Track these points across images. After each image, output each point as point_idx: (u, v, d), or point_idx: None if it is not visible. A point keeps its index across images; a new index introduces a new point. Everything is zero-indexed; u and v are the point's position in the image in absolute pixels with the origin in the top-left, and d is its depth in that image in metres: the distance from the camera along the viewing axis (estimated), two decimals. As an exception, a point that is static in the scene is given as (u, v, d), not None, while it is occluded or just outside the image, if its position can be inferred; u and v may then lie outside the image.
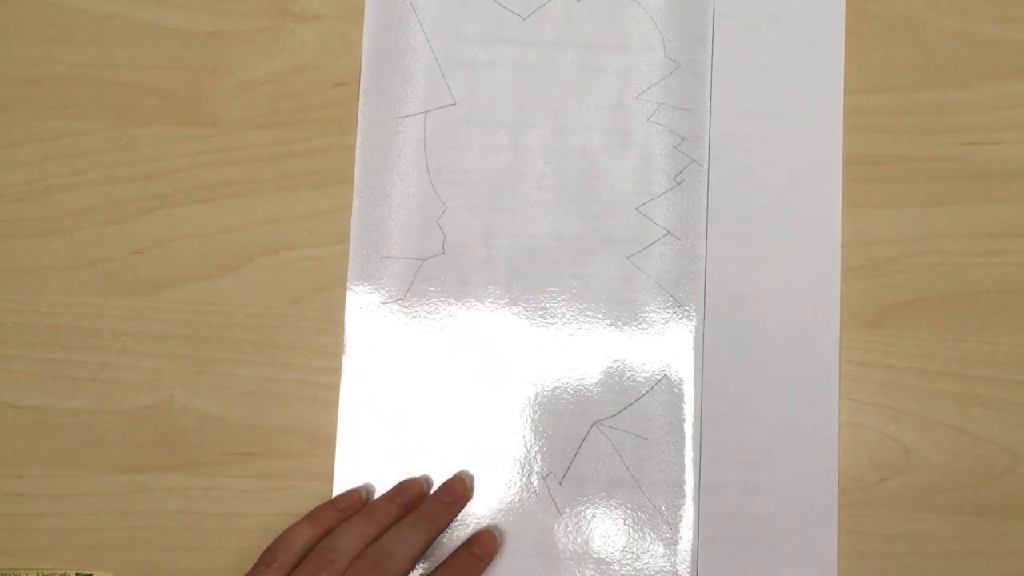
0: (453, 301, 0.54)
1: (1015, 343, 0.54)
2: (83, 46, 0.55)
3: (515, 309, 0.54)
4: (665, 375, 0.53)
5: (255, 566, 0.49)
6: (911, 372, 0.54)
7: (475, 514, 0.53)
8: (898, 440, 0.53)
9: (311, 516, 0.51)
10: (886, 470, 0.53)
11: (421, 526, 0.51)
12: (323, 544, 0.50)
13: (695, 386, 0.53)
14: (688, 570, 0.52)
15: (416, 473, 0.53)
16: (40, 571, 0.53)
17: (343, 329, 0.54)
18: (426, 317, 0.54)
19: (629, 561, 0.53)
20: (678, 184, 0.54)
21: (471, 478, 0.53)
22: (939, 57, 0.55)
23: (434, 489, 0.53)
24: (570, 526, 0.53)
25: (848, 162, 0.54)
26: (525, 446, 0.53)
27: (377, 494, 0.53)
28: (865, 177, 0.54)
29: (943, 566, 0.53)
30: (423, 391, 0.54)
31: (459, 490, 0.53)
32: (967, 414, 0.53)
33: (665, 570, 0.52)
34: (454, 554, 0.52)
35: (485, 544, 0.52)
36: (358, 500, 0.52)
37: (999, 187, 0.54)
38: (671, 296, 0.54)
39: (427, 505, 0.52)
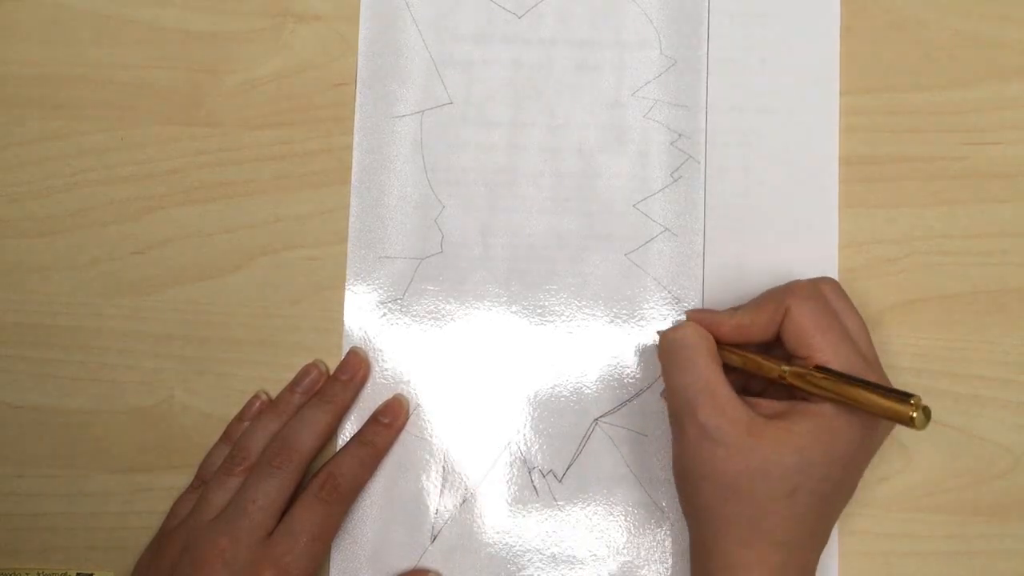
0: (452, 300, 0.54)
1: (1015, 343, 0.53)
2: (83, 46, 0.56)
3: (514, 307, 0.54)
4: (663, 373, 0.53)
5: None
6: (911, 372, 0.53)
7: (477, 512, 0.53)
8: (898, 440, 0.53)
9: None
10: (886, 470, 0.53)
11: (323, 406, 0.52)
12: (234, 446, 0.52)
13: (693, 384, 0.53)
14: (688, 568, 0.52)
15: (415, 473, 0.53)
16: (40, 571, 0.53)
17: (343, 329, 0.54)
18: (425, 316, 0.54)
19: (630, 558, 0.52)
20: (675, 181, 0.54)
21: (366, 353, 0.54)
22: (939, 57, 0.55)
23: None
24: (571, 523, 0.53)
25: (848, 162, 0.54)
26: (525, 443, 0.53)
27: (373, 489, 0.53)
28: (864, 177, 0.54)
29: (943, 566, 0.52)
30: (422, 390, 0.54)
31: (354, 364, 0.53)
32: (967, 414, 0.53)
33: (666, 567, 0.52)
34: (364, 426, 0.53)
35: (393, 412, 0.53)
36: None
37: (999, 187, 0.54)
38: (669, 292, 0.54)
39: (326, 386, 0.53)
